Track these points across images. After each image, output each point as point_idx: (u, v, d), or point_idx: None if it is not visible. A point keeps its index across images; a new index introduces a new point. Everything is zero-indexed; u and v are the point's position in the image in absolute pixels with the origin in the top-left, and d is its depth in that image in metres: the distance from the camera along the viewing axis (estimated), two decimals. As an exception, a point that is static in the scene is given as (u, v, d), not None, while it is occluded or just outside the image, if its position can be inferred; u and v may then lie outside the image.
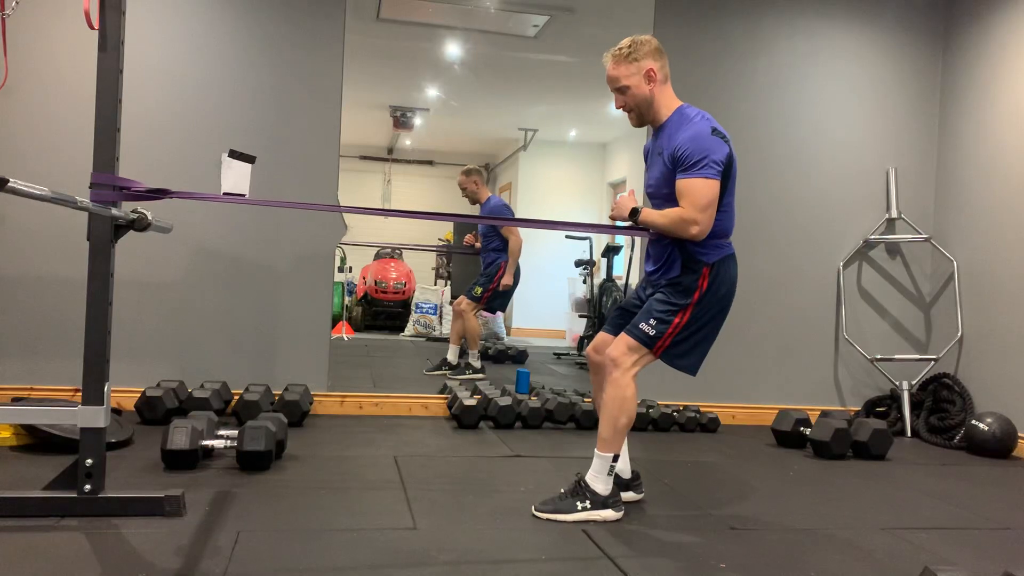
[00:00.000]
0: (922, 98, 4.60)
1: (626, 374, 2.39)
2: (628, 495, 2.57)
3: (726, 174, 2.36)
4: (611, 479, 2.42)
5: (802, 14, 4.46)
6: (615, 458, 2.41)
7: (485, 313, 5.25)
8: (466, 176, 5.12)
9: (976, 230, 4.28)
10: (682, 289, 2.39)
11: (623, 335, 2.43)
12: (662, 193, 2.45)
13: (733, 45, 4.38)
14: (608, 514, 2.39)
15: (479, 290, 5.06)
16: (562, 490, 2.47)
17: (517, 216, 5.90)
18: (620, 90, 2.44)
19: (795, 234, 4.45)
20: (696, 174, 2.30)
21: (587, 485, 2.41)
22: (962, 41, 4.48)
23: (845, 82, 4.52)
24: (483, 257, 5.19)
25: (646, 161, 2.63)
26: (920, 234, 4.48)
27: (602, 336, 2.60)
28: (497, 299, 5.12)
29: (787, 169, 4.45)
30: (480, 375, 4.91)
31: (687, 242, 2.38)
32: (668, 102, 2.45)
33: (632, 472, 2.64)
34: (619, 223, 2.51)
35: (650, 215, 2.39)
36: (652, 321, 2.38)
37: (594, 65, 5.17)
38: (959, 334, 4.30)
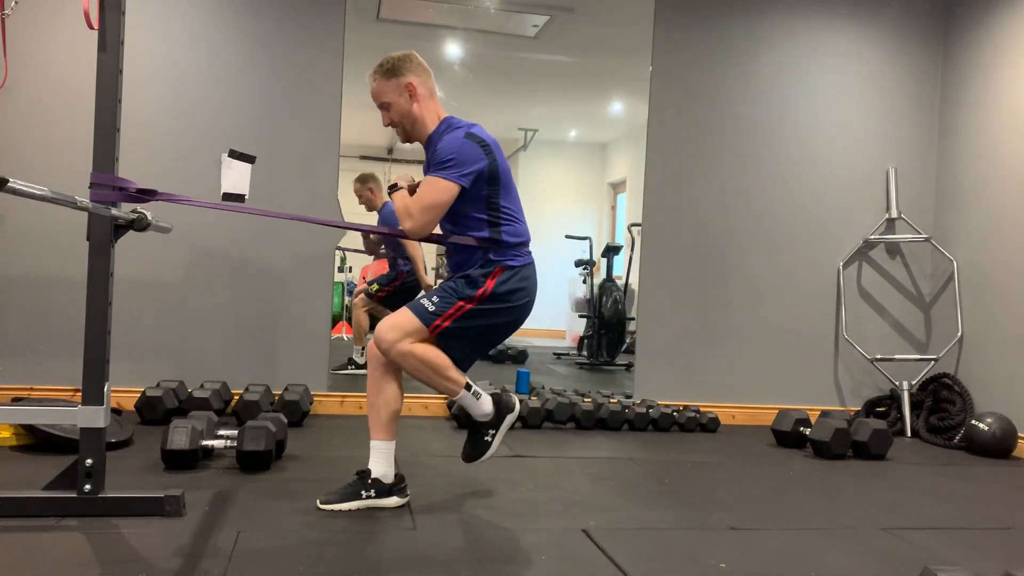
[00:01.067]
0: (922, 98, 4.60)
1: (394, 347, 2.29)
2: (391, 500, 2.43)
3: (489, 181, 2.35)
4: (485, 400, 2.43)
5: (802, 14, 4.46)
6: (468, 386, 2.40)
7: None
8: (361, 184, 4.99)
9: (976, 230, 4.28)
10: (470, 281, 2.36)
11: (400, 310, 2.35)
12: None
13: (733, 45, 4.38)
14: (393, 500, 2.39)
15: (375, 287, 5.01)
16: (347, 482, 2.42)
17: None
18: (383, 106, 2.46)
19: (795, 234, 4.45)
20: (434, 172, 2.32)
21: (481, 420, 2.45)
22: (962, 41, 4.48)
23: (845, 82, 4.52)
24: (390, 260, 5.13)
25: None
26: (920, 234, 4.48)
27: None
28: (396, 299, 5.04)
29: (787, 169, 4.45)
30: (362, 371, 4.83)
31: (487, 248, 2.37)
32: (433, 116, 2.46)
33: (396, 476, 2.49)
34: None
35: (399, 196, 2.40)
36: (435, 299, 2.34)
37: (594, 65, 5.19)
38: (959, 334, 4.30)
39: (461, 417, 3.74)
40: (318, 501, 2.38)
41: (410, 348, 2.30)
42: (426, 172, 2.46)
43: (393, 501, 2.41)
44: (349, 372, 4.77)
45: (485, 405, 2.44)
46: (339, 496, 2.37)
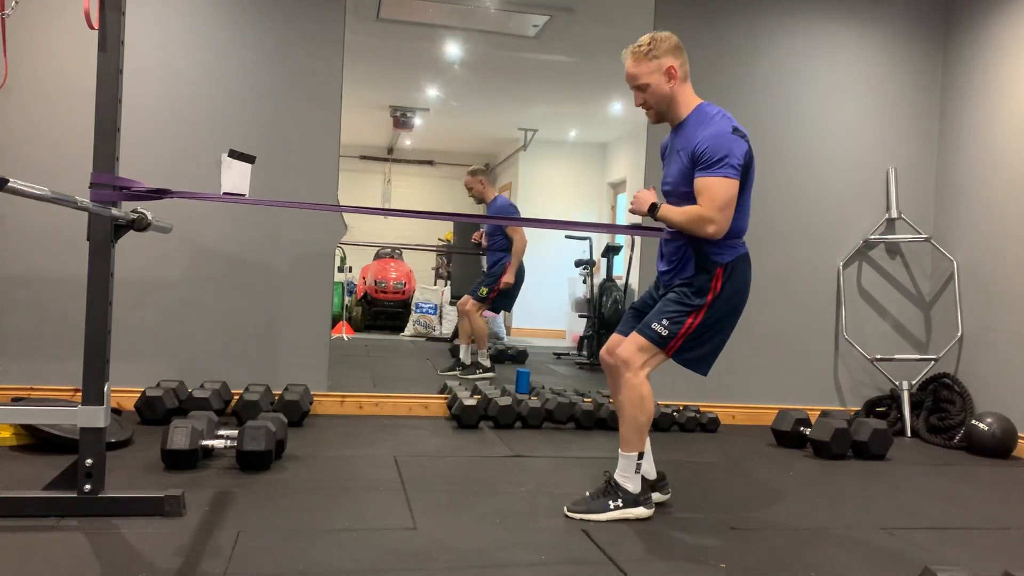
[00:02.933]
0: (922, 98, 4.60)
1: (638, 374, 2.37)
2: (655, 496, 2.56)
3: (745, 173, 2.36)
4: (639, 477, 2.42)
5: (802, 14, 4.46)
6: (640, 456, 2.41)
7: (488, 313, 5.25)
8: (472, 176, 5.14)
9: (976, 230, 4.28)
10: (695, 289, 2.38)
11: (634, 335, 2.41)
12: (680, 191, 2.43)
13: (733, 45, 4.38)
14: (640, 511, 2.41)
15: (484, 290, 5.06)
16: (588, 492, 2.47)
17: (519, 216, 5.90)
18: (639, 88, 2.42)
19: (795, 234, 4.45)
20: (715, 173, 2.29)
21: (617, 484, 2.42)
22: (962, 41, 4.48)
23: (845, 82, 4.52)
24: (488, 256, 5.19)
25: (663, 158, 2.61)
26: (920, 234, 4.48)
27: (616, 338, 2.57)
28: (501, 299, 5.12)
29: (787, 169, 4.45)
30: (491, 374, 4.93)
31: (702, 242, 2.37)
32: (688, 100, 2.44)
33: (657, 473, 2.63)
34: (640, 223, 2.49)
35: (668, 211, 2.37)
36: (665, 321, 2.36)
37: (594, 65, 5.18)
38: (959, 334, 4.30)
39: (461, 417, 3.74)
40: (566, 509, 2.42)
41: (645, 383, 2.37)
42: (668, 153, 2.47)
43: (641, 512, 2.42)
44: (456, 374, 4.83)
45: (636, 483, 2.42)
46: (587, 508, 2.41)
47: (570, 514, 2.40)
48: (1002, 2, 4.21)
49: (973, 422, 3.87)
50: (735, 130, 2.35)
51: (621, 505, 2.39)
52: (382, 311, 7.49)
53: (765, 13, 4.41)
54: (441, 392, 4.15)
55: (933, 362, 4.38)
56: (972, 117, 4.37)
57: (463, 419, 3.73)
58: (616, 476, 2.43)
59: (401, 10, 4.80)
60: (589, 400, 4.03)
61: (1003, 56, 4.18)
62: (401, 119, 6.47)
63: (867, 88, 4.54)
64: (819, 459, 3.52)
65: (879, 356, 4.43)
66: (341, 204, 3.99)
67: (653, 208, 2.38)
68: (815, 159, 4.48)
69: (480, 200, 5.17)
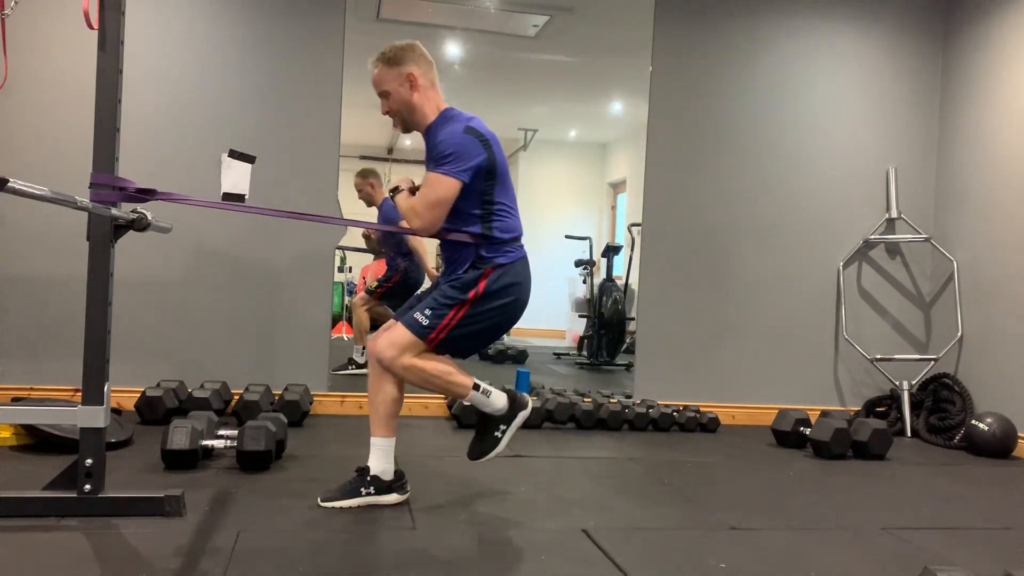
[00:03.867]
0: (922, 98, 4.60)
1: (395, 362, 2.32)
2: (391, 497, 2.46)
3: (486, 176, 2.35)
4: (497, 395, 2.43)
5: (802, 14, 4.46)
6: (478, 384, 2.40)
7: None
8: (362, 179, 5.00)
9: (976, 230, 4.28)
10: (461, 284, 2.36)
11: (396, 324, 2.38)
12: None
13: (733, 45, 4.38)
14: (393, 497, 2.41)
15: (374, 284, 5.00)
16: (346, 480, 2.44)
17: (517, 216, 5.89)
18: (382, 95, 2.46)
19: (795, 234, 4.45)
20: (437, 170, 2.31)
21: (492, 416, 2.44)
22: (962, 41, 4.48)
23: (845, 82, 4.52)
24: (387, 257, 5.12)
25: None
26: (920, 234, 4.48)
27: (390, 323, 2.49)
28: (395, 295, 5.04)
29: (787, 169, 4.45)
30: (363, 371, 4.81)
31: (479, 243, 2.37)
32: (432, 107, 2.44)
33: (396, 472, 2.51)
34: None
35: (402, 198, 2.41)
36: (428, 311, 2.35)
37: (594, 65, 5.19)
38: (959, 334, 4.30)
39: (461, 417, 3.74)
40: (319, 499, 2.39)
41: (411, 362, 2.32)
42: (427, 162, 2.45)
43: (392, 498, 2.42)
44: (350, 372, 4.76)
45: (497, 401, 2.43)
46: (339, 493, 2.39)
47: (323, 504, 2.36)
48: (1002, 2, 4.21)
49: (973, 422, 3.87)
50: (469, 130, 2.34)
51: (373, 492, 2.39)
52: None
53: (765, 14, 4.41)
54: (441, 392, 4.15)
55: (933, 362, 4.38)
56: (972, 117, 4.37)
57: (463, 419, 3.73)
58: (481, 411, 2.44)
59: (401, 10, 4.79)
60: (589, 400, 4.03)
61: (1003, 56, 4.18)
62: (401, 119, 6.45)
63: (867, 88, 4.54)
64: (819, 459, 3.52)
65: (879, 356, 4.42)
66: (340, 204, 4.00)
67: (395, 190, 2.44)
68: (815, 159, 4.48)
69: (370, 203, 5.05)
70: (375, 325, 7.56)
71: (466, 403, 2.47)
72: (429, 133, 2.45)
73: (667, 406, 4.06)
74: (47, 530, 2.05)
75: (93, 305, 2.20)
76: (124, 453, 2.90)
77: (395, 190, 2.45)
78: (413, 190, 2.47)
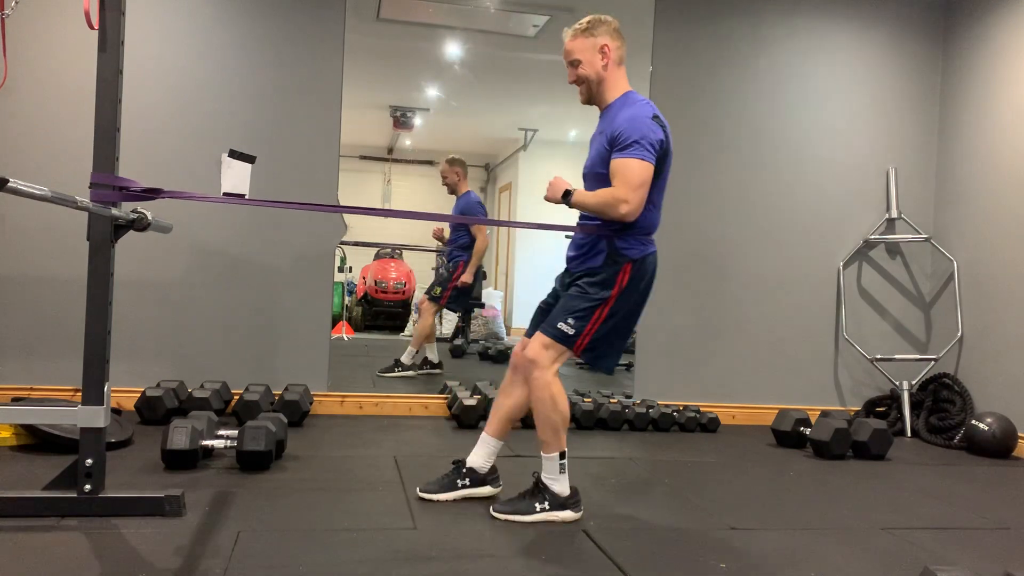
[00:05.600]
0: (922, 98, 4.60)
1: (546, 372, 2.34)
2: (486, 490, 2.54)
3: (660, 162, 2.33)
4: (566, 477, 2.40)
5: (802, 14, 4.46)
6: (562, 455, 2.39)
7: (490, 312, 5.21)
8: (449, 165, 5.08)
9: (976, 230, 4.28)
10: (600, 282, 2.35)
11: (539, 334, 2.38)
12: (595, 172, 2.40)
13: (733, 45, 4.38)
14: (567, 515, 2.39)
15: (438, 289, 5.02)
16: (519, 493, 2.46)
17: (516, 218, 5.90)
18: (573, 63, 2.45)
19: (795, 234, 4.45)
20: (630, 154, 2.27)
21: (545, 486, 2.40)
22: (962, 41, 4.48)
23: (845, 82, 4.52)
24: (448, 253, 5.15)
25: (591, 145, 2.55)
26: (920, 234, 4.48)
27: (525, 340, 2.52)
28: (456, 298, 5.07)
29: (787, 169, 4.45)
30: (438, 370, 4.83)
31: (614, 235, 2.35)
32: (618, 85, 2.44)
33: (491, 466, 2.57)
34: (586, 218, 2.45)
35: (582, 196, 2.34)
36: (571, 320, 2.34)
37: (594, 65, 5.16)
38: (959, 334, 4.30)
39: (462, 417, 3.74)
40: (418, 490, 2.49)
41: (554, 383, 2.35)
42: (596, 137, 2.44)
43: (487, 491, 2.52)
44: (397, 375, 4.77)
45: (563, 484, 2.40)
46: (437, 487, 2.49)
47: (495, 515, 2.37)
48: (1002, 2, 4.21)
49: (973, 422, 3.87)
50: (655, 117, 2.33)
51: (548, 507, 2.37)
52: (382, 311, 7.48)
53: (765, 14, 4.41)
54: (441, 392, 4.15)
55: (933, 362, 4.38)
56: (972, 117, 4.37)
57: (463, 419, 3.73)
58: (543, 478, 2.40)
59: (401, 10, 4.80)
60: (589, 400, 4.02)
61: (1003, 56, 4.18)
62: (401, 119, 6.46)
63: (867, 88, 4.54)
64: (819, 459, 3.52)
65: (879, 356, 4.42)
66: (341, 203, 4.00)
67: (567, 195, 2.35)
68: (815, 159, 4.48)
69: (452, 191, 5.12)
70: (374, 325, 7.54)
71: (544, 474, 2.42)
72: (609, 110, 2.42)
73: (667, 406, 4.06)
74: (47, 530, 2.05)
75: (93, 305, 2.19)
76: (124, 453, 2.90)
77: (568, 193, 2.34)
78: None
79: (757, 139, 4.42)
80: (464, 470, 2.52)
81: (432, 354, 4.92)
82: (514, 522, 2.34)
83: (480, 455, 2.54)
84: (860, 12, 4.52)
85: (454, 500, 2.48)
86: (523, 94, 6.17)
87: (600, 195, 2.30)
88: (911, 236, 4.49)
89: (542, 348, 2.35)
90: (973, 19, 4.40)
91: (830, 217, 4.49)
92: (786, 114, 4.45)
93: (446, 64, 5.06)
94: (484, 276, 5.32)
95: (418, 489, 2.51)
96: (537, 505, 2.37)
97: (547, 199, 2.44)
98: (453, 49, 5.05)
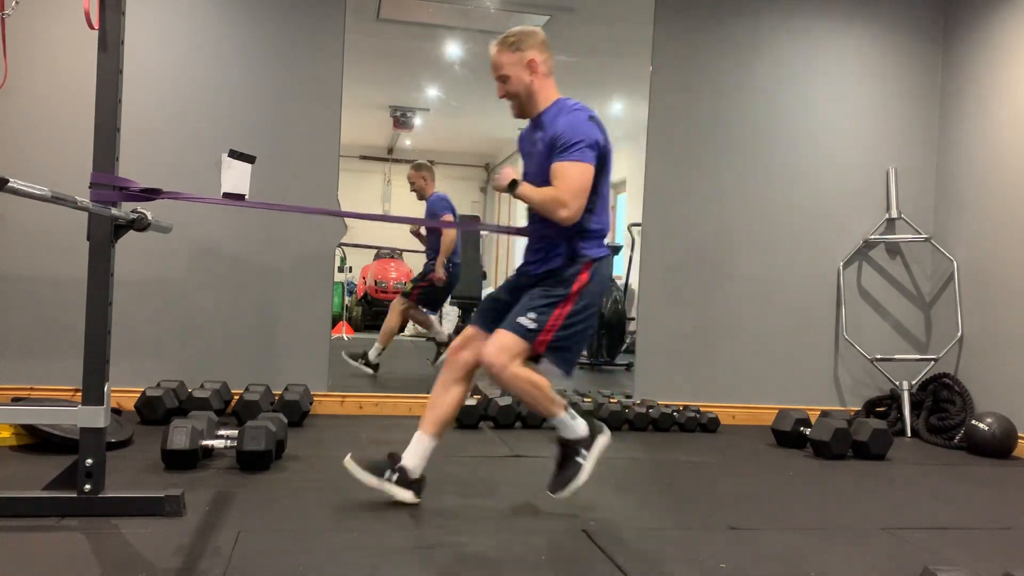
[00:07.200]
0: (922, 98, 4.60)
1: (507, 369, 2.31)
2: (406, 495, 2.44)
3: (600, 165, 2.36)
4: (580, 420, 2.42)
5: (802, 14, 4.46)
6: (566, 408, 2.40)
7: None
8: (416, 171, 5.08)
9: (976, 230, 4.28)
10: (561, 280, 2.37)
11: (500, 331, 2.35)
12: (538, 183, 2.40)
13: (733, 45, 4.38)
14: (602, 442, 2.44)
15: (409, 286, 5.02)
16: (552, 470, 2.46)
17: (517, 219, 5.90)
18: (501, 78, 2.46)
19: (795, 234, 4.45)
20: (570, 157, 2.30)
21: (571, 442, 2.41)
22: (962, 41, 4.48)
23: (845, 82, 4.52)
24: (427, 254, 5.15)
25: (521, 153, 2.57)
26: (920, 234, 4.48)
27: (470, 330, 2.50)
28: (433, 296, 5.06)
29: (787, 169, 4.45)
30: (369, 371, 4.77)
31: (573, 235, 2.37)
32: (548, 94, 2.46)
33: (421, 474, 2.49)
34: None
35: (527, 189, 2.36)
36: (532, 315, 2.34)
37: (594, 65, 5.18)
38: (959, 334, 4.29)
39: (462, 417, 3.74)
40: (348, 457, 2.41)
41: (520, 372, 2.33)
42: (525, 145, 2.47)
43: (408, 496, 2.41)
44: (357, 364, 4.73)
45: (580, 427, 2.41)
46: (367, 465, 2.41)
47: (556, 495, 2.38)
48: (1002, 2, 4.21)
49: (973, 422, 3.87)
50: (592, 119, 2.37)
51: (587, 453, 2.40)
52: (382, 311, 7.47)
53: (765, 13, 4.41)
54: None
55: (933, 362, 4.38)
56: (972, 117, 4.37)
57: (463, 419, 3.73)
58: (566, 438, 2.42)
59: (401, 10, 4.80)
60: (589, 400, 4.03)
61: (1003, 56, 4.18)
62: (401, 119, 6.46)
63: (867, 88, 4.54)
64: (819, 459, 3.52)
65: (879, 356, 4.42)
66: (340, 204, 4.00)
67: (513, 184, 2.36)
68: (815, 159, 4.48)
69: (421, 196, 5.12)
70: (374, 326, 7.54)
71: (562, 434, 2.42)
72: (542, 119, 2.44)
73: (667, 406, 4.06)
74: (47, 530, 2.05)
75: (93, 305, 2.20)
76: (124, 453, 2.90)
77: (514, 183, 2.35)
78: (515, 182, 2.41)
79: (757, 139, 4.42)
80: (397, 466, 2.42)
81: (373, 352, 4.90)
82: (578, 488, 2.36)
83: (415, 455, 2.44)
84: (860, 12, 4.52)
85: (370, 487, 2.39)
86: (523, 94, 6.17)
87: (544, 193, 2.34)
88: (911, 236, 4.49)
89: (499, 350, 2.32)
90: (973, 19, 4.40)
91: (830, 217, 4.49)
92: (786, 114, 4.45)
93: (446, 64, 5.06)
94: (484, 276, 5.32)
95: (348, 455, 2.41)
96: (580, 459, 2.39)
97: (495, 188, 2.47)
98: (453, 49, 5.05)
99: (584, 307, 2.39)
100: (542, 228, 2.42)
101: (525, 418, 3.81)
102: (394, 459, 2.43)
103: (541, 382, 2.36)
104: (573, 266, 2.38)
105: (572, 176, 2.30)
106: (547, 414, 2.40)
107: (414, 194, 5.14)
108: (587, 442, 2.41)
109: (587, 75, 5.39)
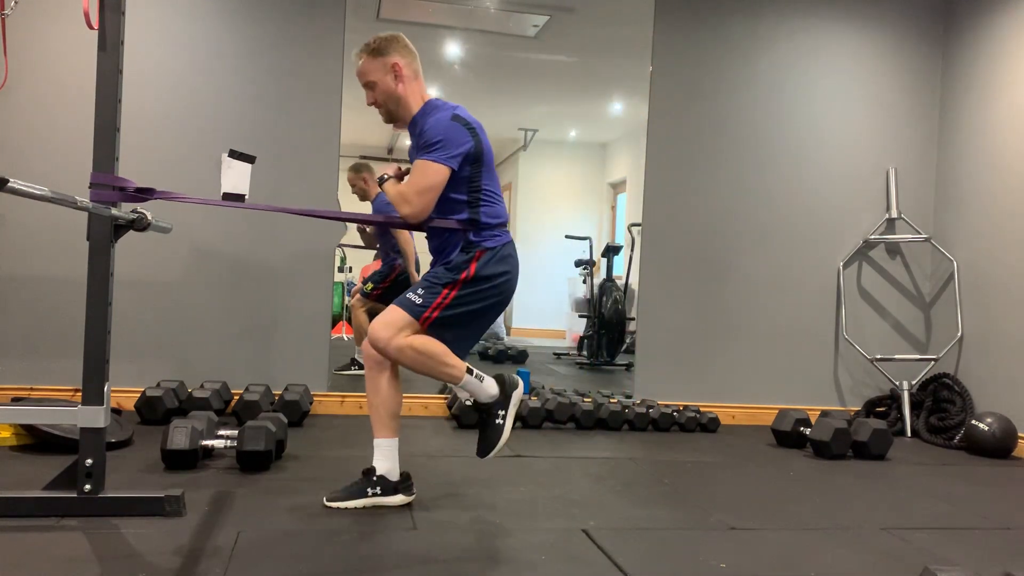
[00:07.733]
0: (922, 98, 4.60)
1: (392, 341, 2.29)
2: (397, 499, 2.43)
3: (473, 163, 2.37)
4: (489, 381, 2.40)
5: (802, 14, 4.46)
6: (469, 371, 2.37)
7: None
8: (355, 173, 4.96)
9: (976, 230, 4.28)
10: (452, 267, 2.38)
11: (389, 307, 2.36)
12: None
13: (733, 45, 4.38)
14: (399, 499, 2.40)
15: (370, 286, 4.97)
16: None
17: (517, 218, 5.89)
18: (368, 85, 2.46)
19: (795, 234, 4.45)
20: (426, 156, 2.32)
21: (490, 403, 2.39)
22: (962, 41, 4.48)
23: (845, 82, 4.52)
24: (384, 255, 5.09)
25: (410, 159, 2.55)
26: (920, 234, 4.48)
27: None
28: (392, 297, 5.00)
29: (787, 169, 4.45)
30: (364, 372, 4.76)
31: (467, 231, 2.38)
32: (417, 98, 2.46)
33: (402, 473, 2.49)
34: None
35: (388, 185, 2.43)
36: (420, 291, 2.35)
37: (594, 65, 5.19)
38: (959, 334, 4.29)
39: (461, 417, 3.74)
40: (324, 499, 2.39)
41: (406, 341, 2.30)
42: (412, 153, 2.47)
43: (398, 499, 2.41)
44: (353, 372, 4.74)
45: (490, 387, 2.40)
46: (345, 494, 2.39)
47: (328, 504, 2.36)
48: (1002, 2, 4.21)
49: (973, 422, 3.87)
50: (455, 117, 2.36)
51: (379, 492, 2.38)
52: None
53: (765, 13, 4.41)
54: (441, 392, 4.15)
55: (933, 362, 4.38)
56: (972, 117, 4.37)
57: (463, 419, 3.73)
58: (477, 401, 2.40)
59: (401, 10, 4.80)
60: (589, 400, 4.03)
61: (1003, 56, 4.18)
62: (401, 119, 6.45)
63: (867, 88, 4.54)
64: (819, 459, 3.52)
65: (879, 356, 4.42)
66: (340, 204, 4.00)
67: (382, 179, 2.45)
68: (815, 159, 4.48)
69: (364, 198, 5.03)
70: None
71: (464, 398, 2.45)
72: (414, 124, 2.46)
73: (667, 406, 4.06)
74: (47, 530, 2.05)
75: (93, 305, 2.19)
76: (124, 453, 2.90)
77: (383, 179, 2.46)
78: (400, 178, 2.49)
79: (757, 139, 4.42)
80: (375, 478, 2.40)
81: (359, 354, 4.85)
82: (345, 509, 2.34)
83: (385, 459, 2.42)
84: (860, 12, 4.52)
85: (363, 508, 2.37)
86: (523, 94, 6.17)
87: (396, 189, 2.39)
88: (911, 236, 4.49)
89: (384, 325, 2.31)
90: (973, 19, 4.40)
91: (830, 217, 4.49)
92: (786, 114, 4.45)
93: (446, 64, 5.06)
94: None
95: (324, 498, 2.39)
96: (498, 421, 2.37)
97: (377, 183, 2.53)
98: (453, 49, 5.05)
99: (477, 290, 2.37)
100: (439, 228, 2.42)
101: (525, 418, 3.81)
102: (369, 473, 2.41)
103: (432, 349, 2.32)
104: (465, 255, 2.38)
105: (421, 175, 2.32)
106: (448, 379, 2.38)
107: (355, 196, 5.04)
108: (502, 401, 2.39)
109: (587, 75, 5.39)
